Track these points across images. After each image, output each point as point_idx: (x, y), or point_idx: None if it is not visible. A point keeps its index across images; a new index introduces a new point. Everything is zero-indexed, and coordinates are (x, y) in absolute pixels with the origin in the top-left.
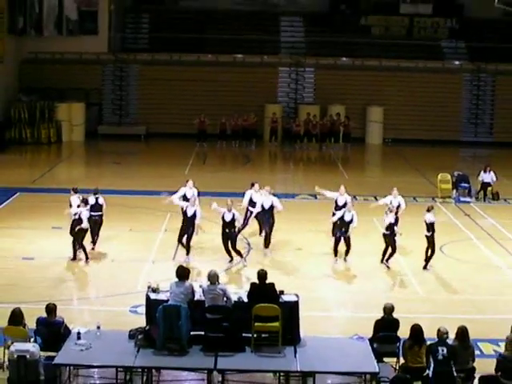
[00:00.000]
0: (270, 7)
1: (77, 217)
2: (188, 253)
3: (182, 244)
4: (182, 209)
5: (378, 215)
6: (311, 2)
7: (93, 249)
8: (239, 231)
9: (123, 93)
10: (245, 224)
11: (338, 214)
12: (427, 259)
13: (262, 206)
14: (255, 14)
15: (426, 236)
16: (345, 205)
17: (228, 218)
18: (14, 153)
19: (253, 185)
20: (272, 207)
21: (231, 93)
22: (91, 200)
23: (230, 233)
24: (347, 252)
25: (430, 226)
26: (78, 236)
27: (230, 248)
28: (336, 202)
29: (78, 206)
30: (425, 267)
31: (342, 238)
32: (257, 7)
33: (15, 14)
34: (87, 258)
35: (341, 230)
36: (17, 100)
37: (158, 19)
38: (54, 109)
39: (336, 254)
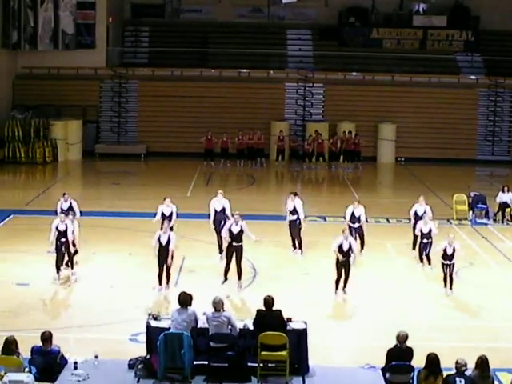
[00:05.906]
0: (277, 19)
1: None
2: (168, 280)
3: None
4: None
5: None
6: (319, 15)
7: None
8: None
9: (122, 110)
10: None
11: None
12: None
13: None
14: (261, 26)
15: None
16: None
17: (235, 230)
18: (8, 173)
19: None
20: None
21: (235, 109)
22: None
23: (237, 246)
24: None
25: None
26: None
27: (236, 264)
28: (353, 213)
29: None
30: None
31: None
32: (262, 19)
33: (9, 27)
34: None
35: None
36: (10, 117)
37: (158, 32)
38: (49, 127)
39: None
